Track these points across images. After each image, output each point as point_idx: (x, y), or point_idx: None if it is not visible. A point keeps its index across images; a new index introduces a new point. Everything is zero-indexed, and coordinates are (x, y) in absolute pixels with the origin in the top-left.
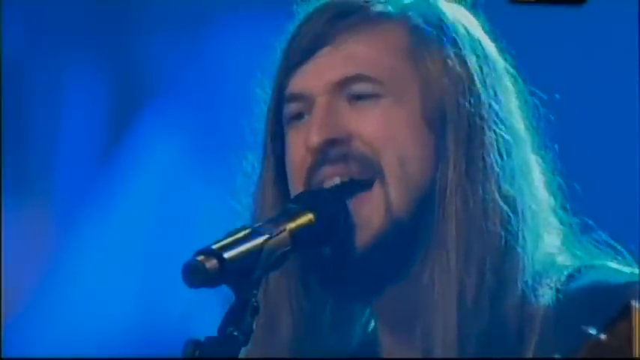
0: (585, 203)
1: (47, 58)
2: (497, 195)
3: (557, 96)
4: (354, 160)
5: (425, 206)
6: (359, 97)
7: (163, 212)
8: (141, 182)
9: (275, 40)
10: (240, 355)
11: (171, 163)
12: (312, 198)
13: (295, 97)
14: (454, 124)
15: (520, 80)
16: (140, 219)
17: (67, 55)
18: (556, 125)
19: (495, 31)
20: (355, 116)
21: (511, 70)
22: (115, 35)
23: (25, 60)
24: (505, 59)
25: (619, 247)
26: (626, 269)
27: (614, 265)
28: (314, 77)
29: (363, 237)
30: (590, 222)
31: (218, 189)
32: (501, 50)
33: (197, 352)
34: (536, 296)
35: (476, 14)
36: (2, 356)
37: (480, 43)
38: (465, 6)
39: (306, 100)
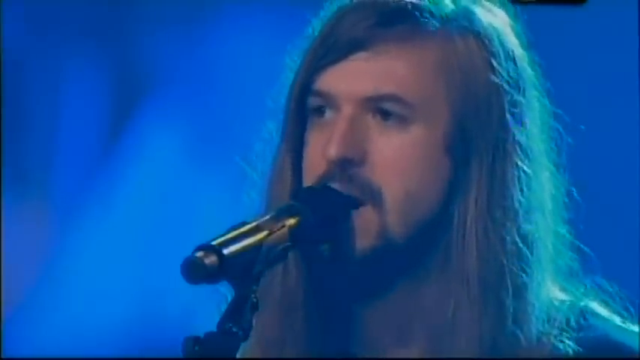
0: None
1: (46, 53)
2: (517, 237)
3: (582, 127)
4: (356, 185)
5: (432, 236)
6: (386, 115)
7: (163, 207)
8: (141, 177)
9: (310, 14)
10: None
11: (172, 158)
12: (312, 195)
13: (320, 94)
14: (479, 156)
15: (547, 100)
16: (140, 214)
17: (67, 49)
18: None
19: (528, 35)
20: (378, 137)
21: (540, 88)
22: (114, 29)
23: (25, 56)
24: (535, 71)
25: (610, 289)
26: (634, 328)
27: (617, 320)
28: (344, 81)
29: (359, 246)
30: (582, 245)
31: (219, 184)
32: (532, 62)
33: (196, 348)
34: (545, 336)
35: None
36: (2, 356)
37: (514, 62)
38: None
39: (330, 100)
